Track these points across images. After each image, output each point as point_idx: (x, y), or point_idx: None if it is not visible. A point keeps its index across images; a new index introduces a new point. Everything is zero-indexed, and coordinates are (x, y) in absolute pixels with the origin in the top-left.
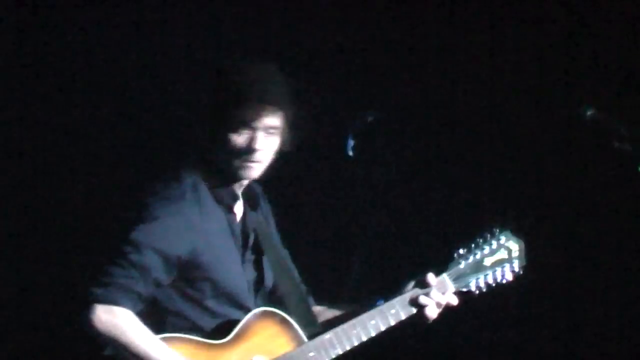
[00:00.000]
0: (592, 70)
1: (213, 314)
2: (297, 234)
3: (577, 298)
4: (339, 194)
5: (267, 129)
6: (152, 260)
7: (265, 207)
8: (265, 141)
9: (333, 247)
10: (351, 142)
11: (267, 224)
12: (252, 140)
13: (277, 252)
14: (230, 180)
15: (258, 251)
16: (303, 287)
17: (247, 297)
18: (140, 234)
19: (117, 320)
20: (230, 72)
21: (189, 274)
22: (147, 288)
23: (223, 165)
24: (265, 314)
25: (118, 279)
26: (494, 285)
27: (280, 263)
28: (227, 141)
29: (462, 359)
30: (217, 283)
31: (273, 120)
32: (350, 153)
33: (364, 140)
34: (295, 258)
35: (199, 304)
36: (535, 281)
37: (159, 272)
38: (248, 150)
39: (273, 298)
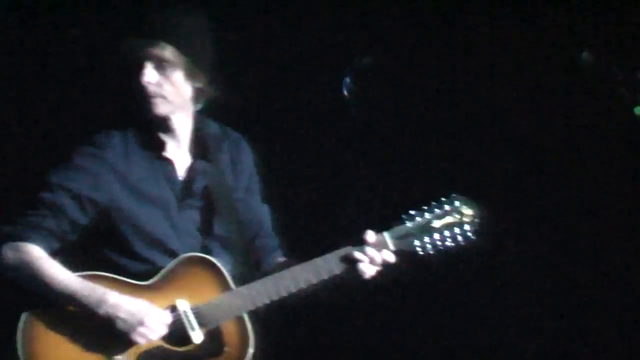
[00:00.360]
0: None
1: (139, 258)
2: (287, 182)
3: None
4: (332, 139)
5: (157, 61)
6: (63, 200)
7: (237, 158)
8: (157, 74)
9: (325, 194)
10: (347, 81)
11: (221, 173)
12: (141, 72)
13: (227, 202)
14: (150, 124)
15: (208, 198)
16: (265, 239)
17: (178, 242)
18: (54, 175)
19: (23, 255)
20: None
21: (111, 218)
22: (60, 226)
23: (137, 107)
24: (193, 260)
25: (27, 217)
26: (441, 247)
27: (228, 213)
28: (129, 80)
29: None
30: (141, 228)
31: (161, 52)
32: (346, 92)
33: (360, 82)
34: (279, 210)
35: (124, 249)
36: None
37: (73, 211)
38: (140, 84)
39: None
